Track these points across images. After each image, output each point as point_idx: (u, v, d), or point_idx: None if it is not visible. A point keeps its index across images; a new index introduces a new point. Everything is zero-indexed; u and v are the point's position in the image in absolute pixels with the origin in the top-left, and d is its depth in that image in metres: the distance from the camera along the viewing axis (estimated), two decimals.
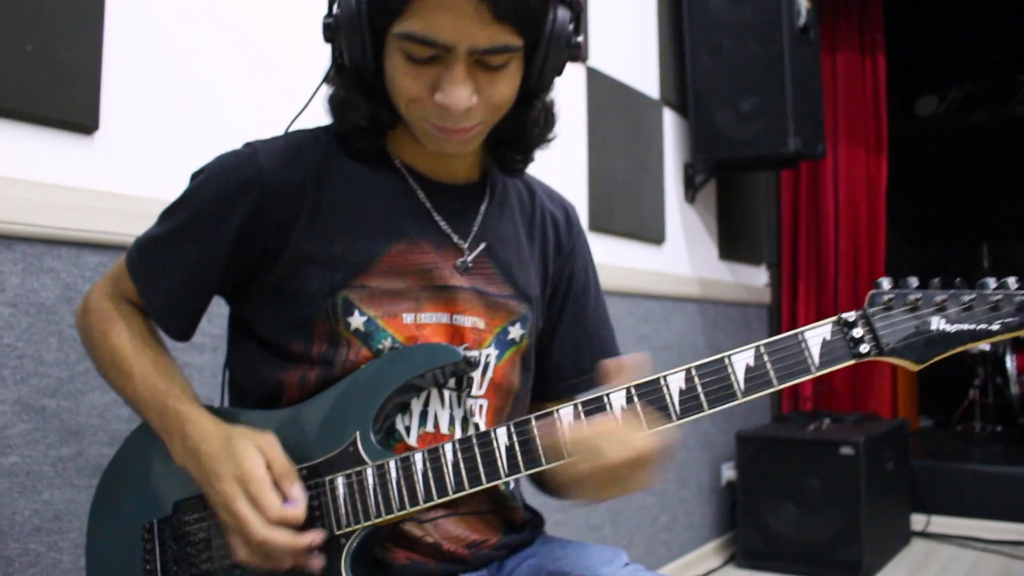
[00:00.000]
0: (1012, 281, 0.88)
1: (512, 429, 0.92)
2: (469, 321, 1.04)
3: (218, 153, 1.06)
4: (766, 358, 0.89)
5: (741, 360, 0.90)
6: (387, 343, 1.00)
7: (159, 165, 1.52)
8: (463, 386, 1.04)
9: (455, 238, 1.06)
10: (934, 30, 5.29)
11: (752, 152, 3.17)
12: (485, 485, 0.93)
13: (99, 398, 1.40)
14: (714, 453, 3.42)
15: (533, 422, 0.91)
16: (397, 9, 0.90)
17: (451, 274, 1.04)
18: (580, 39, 1.00)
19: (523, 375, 1.11)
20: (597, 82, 2.76)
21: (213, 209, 1.01)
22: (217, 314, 1.27)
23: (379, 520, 0.93)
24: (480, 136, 1.01)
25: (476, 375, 1.04)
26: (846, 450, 3.08)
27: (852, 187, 4.10)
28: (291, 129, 1.09)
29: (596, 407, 0.91)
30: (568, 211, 1.22)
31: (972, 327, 0.87)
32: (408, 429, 1.01)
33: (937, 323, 0.88)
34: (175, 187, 1.07)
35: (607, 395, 0.91)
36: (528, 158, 1.11)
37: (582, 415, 0.92)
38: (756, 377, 0.89)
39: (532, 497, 1.15)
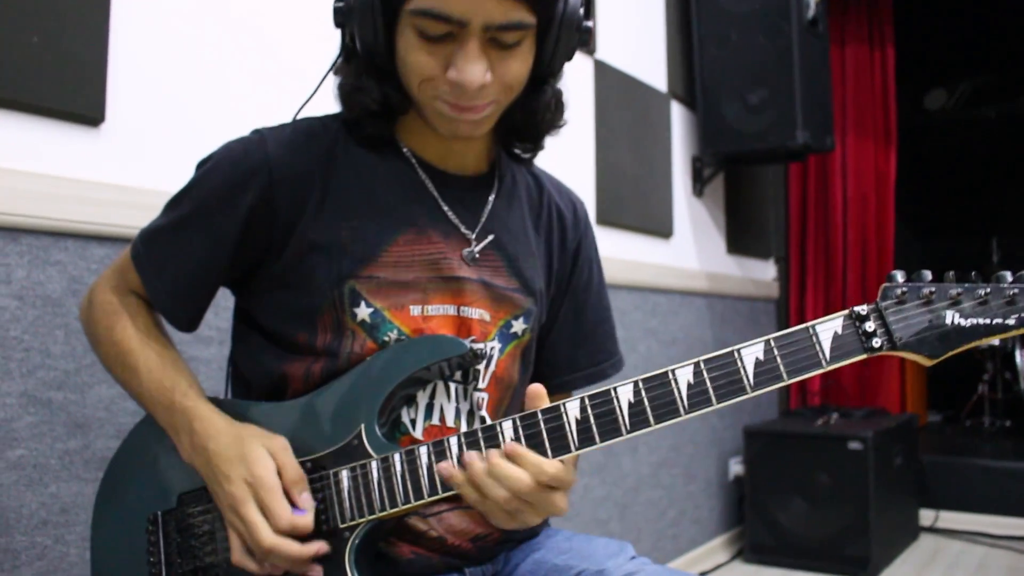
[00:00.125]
0: None
1: (518, 423, 0.91)
2: (476, 313, 1.04)
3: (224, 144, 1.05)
4: (776, 352, 0.88)
5: (751, 354, 0.88)
6: (393, 335, 0.99)
7: (165, 157, 1.51)
8: (469, 379, 1.03)
9: (463, 228, 1.05)
10: (943, 24, 5.25)
11: (760, 145, 3.15)
12: None
13: (106, 391, 1.40)
14: (722, 448, 3.41)
15: (540, 416, 0.90)
16: None
17: (459, 265, 1.04)
18: (590, 24, 1.01)
19: (522, 369, 1.11)
20: (605, 75, 2.75)
21: (220, 197, 1.00)
22: (224, 307, 1.26)
23: (383, 514, 0.93)
24: (492, 118, 1.00)
25: (480, 368, 1.04)
26: (854, 445, 3.07)
27: (861, 181, 4.08)
28: (299, 117, 1.09)
29: (603, 401, 0.90)
30: (576, 206, 1.22)
31: (987, 321, 0.85)
32: (414, 422, 1.00)
33: (952, 317, 0.86)
34: (181, 179, 1.06)
35: (614, 388, 0.90)
36: (538, 145, 1.12)
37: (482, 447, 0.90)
38: (766, 371, 0.88)
39: None
